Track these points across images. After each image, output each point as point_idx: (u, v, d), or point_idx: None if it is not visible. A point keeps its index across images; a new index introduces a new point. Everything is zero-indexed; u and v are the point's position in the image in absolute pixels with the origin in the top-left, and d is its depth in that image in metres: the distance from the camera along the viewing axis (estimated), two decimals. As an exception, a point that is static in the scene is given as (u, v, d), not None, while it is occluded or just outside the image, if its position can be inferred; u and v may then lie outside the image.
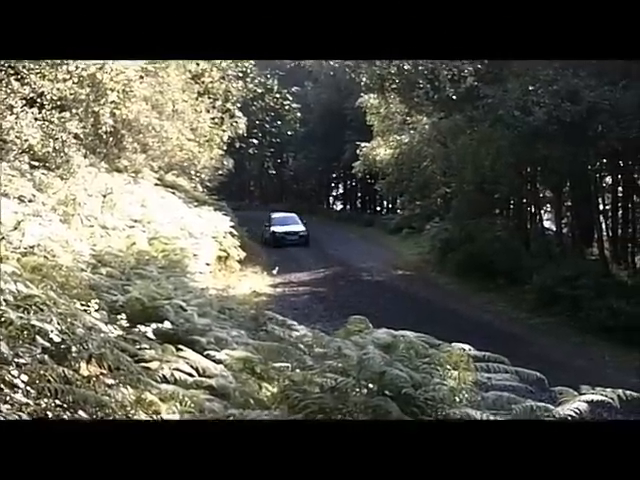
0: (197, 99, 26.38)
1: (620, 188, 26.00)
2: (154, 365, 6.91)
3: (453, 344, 6.82)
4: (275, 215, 39.50)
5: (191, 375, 7.07)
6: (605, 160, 23.92)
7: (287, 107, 50.02)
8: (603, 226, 24.91)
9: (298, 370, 6.96)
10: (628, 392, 5.82)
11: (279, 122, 53.87)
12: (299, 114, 51.84)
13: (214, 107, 28.61)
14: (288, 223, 38.20)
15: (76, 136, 15.60)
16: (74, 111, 15.78)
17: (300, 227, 37.88)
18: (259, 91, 41.41)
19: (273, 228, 37.55)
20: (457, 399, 6.13)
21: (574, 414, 5.52)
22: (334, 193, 66.32)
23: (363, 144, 39.99)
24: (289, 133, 54.98)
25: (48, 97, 14.70)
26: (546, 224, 29.37)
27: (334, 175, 62.64)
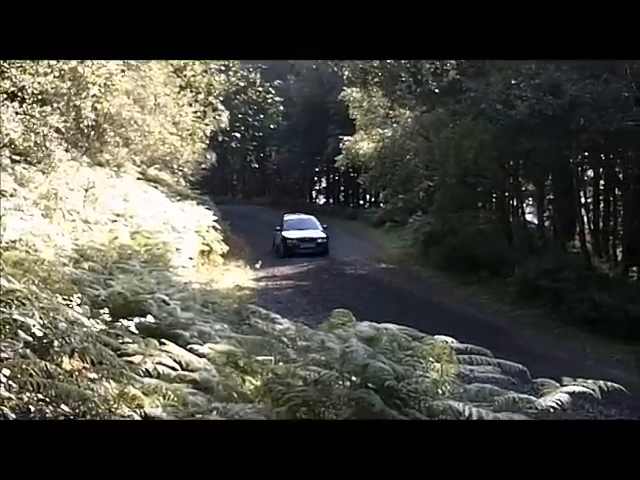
0: (179, 93, 26.27)
1: (602, 181, 26.20)
2: (137, 359, 6.88)
3: (436, 337, 6.85)
4: (288, 217, 33.12)
5: (174, 369, 7.05)
6: (587, 153, 24.09)
7: (270, 101, 49.78)
8: (585, 219, 25.06)
9: (281, 363, 6.97)
10: (609, 383, 5.87)
11: (262, 116, 53.71)
12: (282, 108, 51.64)
13: (196, 101, 28.50)
14: (303, 227, 31.88)
15: (57, 130, 15.48)
16: (55, 105, 15.66)
17: (318, 232, 31.57)
18: (241, 84, 41.19)
19: (285, 233, 31.24)
20: (440, 391, 6.16)
21: (556, 405, 5.56)
22: (317, 187, 66.25)
23: (346, 138, 39.99)
24: (272, 127, 54.81)
25: (29, 91, 14.58)
26: (528, 217, 29.56)
27: (317, 169, 62.56)
